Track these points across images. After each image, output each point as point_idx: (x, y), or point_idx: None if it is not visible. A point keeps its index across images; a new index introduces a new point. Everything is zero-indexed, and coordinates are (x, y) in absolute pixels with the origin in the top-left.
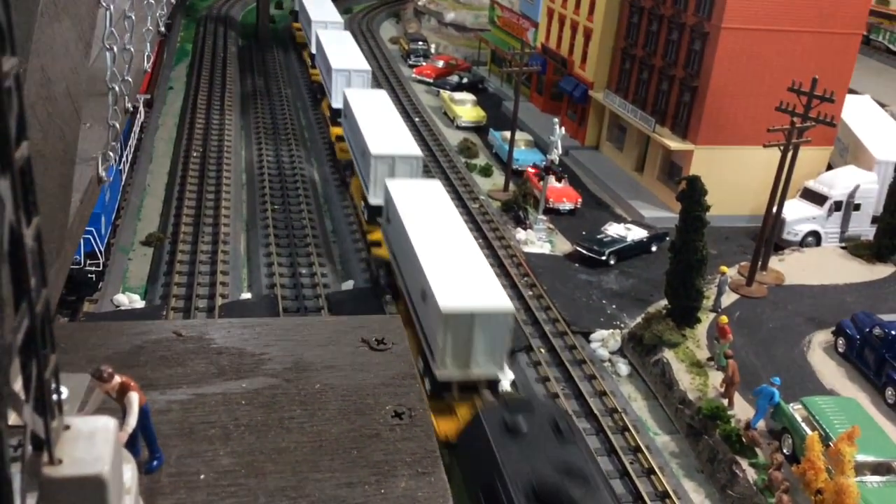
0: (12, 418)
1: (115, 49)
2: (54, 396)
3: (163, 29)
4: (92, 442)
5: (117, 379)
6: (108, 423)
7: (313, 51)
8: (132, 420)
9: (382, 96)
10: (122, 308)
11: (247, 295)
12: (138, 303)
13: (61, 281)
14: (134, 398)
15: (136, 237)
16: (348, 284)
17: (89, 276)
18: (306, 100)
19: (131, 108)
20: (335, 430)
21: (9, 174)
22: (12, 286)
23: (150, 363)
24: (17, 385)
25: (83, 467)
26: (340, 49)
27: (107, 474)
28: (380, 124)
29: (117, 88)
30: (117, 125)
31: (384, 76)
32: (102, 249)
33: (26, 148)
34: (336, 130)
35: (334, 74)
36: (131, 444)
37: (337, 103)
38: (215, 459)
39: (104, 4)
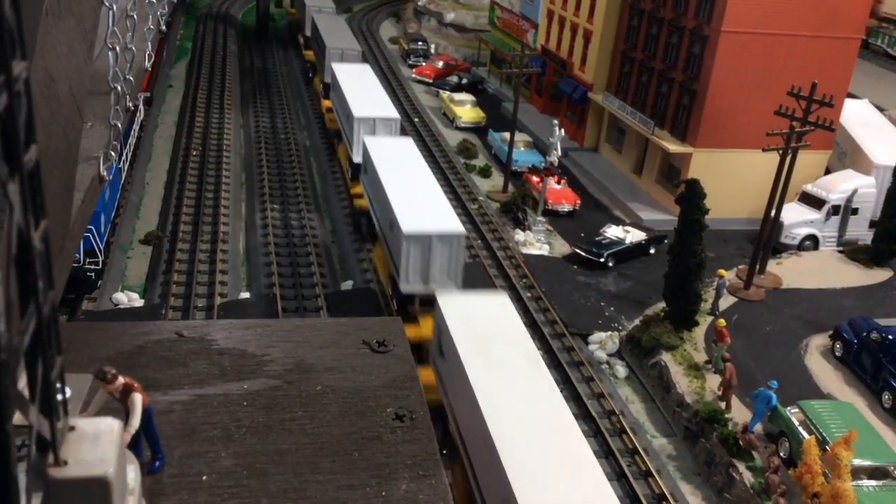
0: (16, 418)
1: (118, 48)
2: (59, 398)
3: (164, 27)
4: (97, 443)
5: (121, 380)
6: (112, 424)
7: (357, 159)
8: (135, 421)
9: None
10: (121, 306)
11: (246, 294)
12: (137, 301)
13: (63, 280)
14: (137, 399)
15: (135, 235)
16: (347, 285)
17: (88, 274)
18: (306, 100)
19: (132, 107)
20: (336, 431)
21: (18, 177)
22: (20, 288)
23: (152, 363)
24: (22, 385)
25: (88, 469)
26: (398, 166)
27: (111, 476)
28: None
29: (119, 88)
30: (119, 124)
31: (384, 76)
32: (102, 248)
33: (35, 151)
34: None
35: (391, 207)
36: (134, 445)
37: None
38: (217, 460)
39: (107, 4)
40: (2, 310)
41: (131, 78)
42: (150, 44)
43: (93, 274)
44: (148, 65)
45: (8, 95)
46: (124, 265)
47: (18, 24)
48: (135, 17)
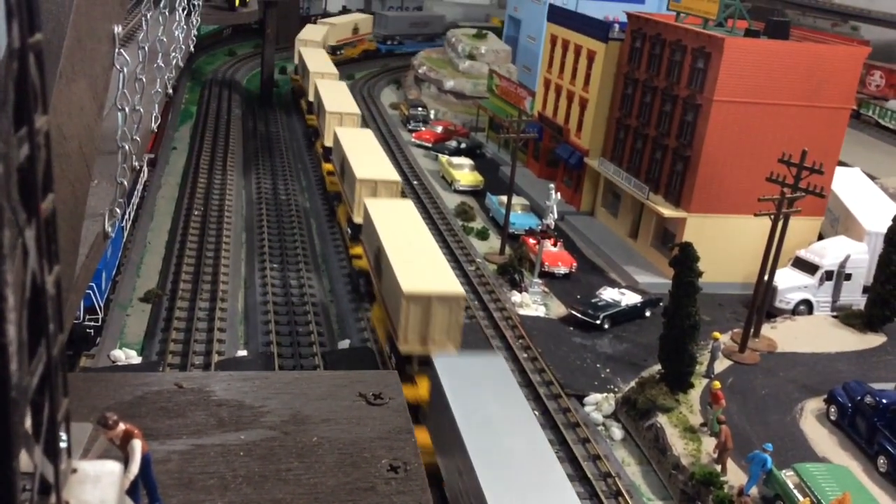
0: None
1: (127, 109)
2: (63, 440)
3: (170, 91)
4: (98, 485)
5: (122, 426)
6: (113, 467)
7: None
8: (134, 467)
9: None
10: (119, 363)
11: (243, 352)
12: (135, 359)
13: (66, 333)
14: (137, 446)
15: (134, 293)
16: (344, 343)
17: (88, 330)
18: (308, 165)
19: (138, 167)
20: (331, 482)
21: (35, 224)
22: (30, 330)
23: (151, 414)
24: (26, 427)
25: None
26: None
27: None
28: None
29: (126, 147)
30: (125, 182)
31: (384, 140)
32: (102, 305)
33: (51, 200)
34: None
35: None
36: (132, 492)
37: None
38: None
39: (118, 66)
40: (13, 350)
41: (138, 138)
42: (156, 106)
43: (92, 331)
44: (154, 126)
45: (29, 146)
46: (123, 322)
47: (42, 81)
48: (143, 79)
